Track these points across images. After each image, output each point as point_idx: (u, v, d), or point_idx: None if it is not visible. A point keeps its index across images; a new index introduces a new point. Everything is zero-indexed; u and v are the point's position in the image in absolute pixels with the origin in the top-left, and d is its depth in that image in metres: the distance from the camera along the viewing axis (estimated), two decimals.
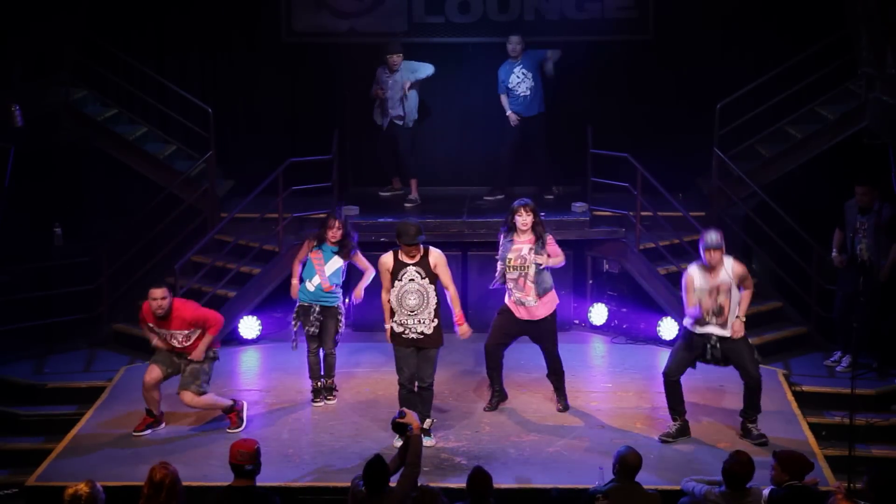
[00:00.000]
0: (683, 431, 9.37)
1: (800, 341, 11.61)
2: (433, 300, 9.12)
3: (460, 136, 13.63)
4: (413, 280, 9.09)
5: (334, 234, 10.03)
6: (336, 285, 10.06)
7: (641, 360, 11.47)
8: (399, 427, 7.54)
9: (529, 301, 9.61)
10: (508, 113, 12.66)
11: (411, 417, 7.50)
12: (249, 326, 11.99)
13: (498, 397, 10.07)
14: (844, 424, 9.57)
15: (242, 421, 9.57)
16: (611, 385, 10.73)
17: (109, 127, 12.65)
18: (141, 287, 12.12)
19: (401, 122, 12.59)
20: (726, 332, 9.14)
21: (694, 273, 9.21)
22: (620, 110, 13.25)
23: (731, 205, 12.26)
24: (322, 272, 9.98)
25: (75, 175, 12.88)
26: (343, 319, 10.24)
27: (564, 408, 9.96)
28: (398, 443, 8.22)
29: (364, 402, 10.25)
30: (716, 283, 9.09)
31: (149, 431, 9.53)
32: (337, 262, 10.04)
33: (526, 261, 9.54)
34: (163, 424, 9.62)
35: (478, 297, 11.63)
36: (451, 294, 9.25)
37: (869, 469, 7.17)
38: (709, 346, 9.15)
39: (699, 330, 9.21)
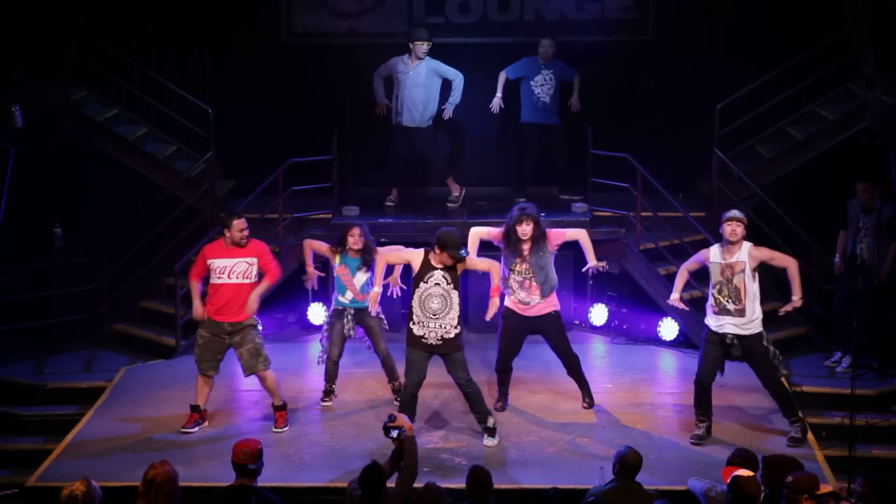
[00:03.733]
0: (710, 431, 9.34)
1: (800, 341, 11.60)
2: (456, 306, 9.05)
3: (460, 136, 13.63)
4: (438, 284, 9.02)
5: (356, 241, 9.85)
6: (369, 286, 9.78)
7: (641, 360, 11.49)
8: (391, 431, 7.53)
9: (535, 299, 9.59)
10: (498, 96, 12.53)
11: (402, 420, 7.48)
12: None
13: (505, 399, 10.03)
14: (844, 425, 9.55)
15: (195, 427, 9.54)
16: (611, 385, 10.73)
17: (109, 127, 12.64)
18: (141, 287, 12.23)
19: (411, 124, 12.36)
20: (743, 329, 9.09)
21: (713, 248, 9.31)
22: (620, 111, 13.24)
23: (732, 205, 12.24)
24: (353, 286, 9.87)
25: (75, 175, 12.87)
26: (384, 317, 10.07)
27: (590, 404, 9.93)
28: None
29: (364, 402, 10.24)
30: (731, 261, 9.11)
31: (196, 428, 9.56)
32: (362, 277, 9.86)
33: (531, 265, 9.52)
34: (205, 423, 9.66)
35: (478, 297, 11.62)
36: (492, 269, 9.15)
37: (866, 472, 7.11)
38: (727, 343, 9.13)
39: (715, 326, 9.17)
